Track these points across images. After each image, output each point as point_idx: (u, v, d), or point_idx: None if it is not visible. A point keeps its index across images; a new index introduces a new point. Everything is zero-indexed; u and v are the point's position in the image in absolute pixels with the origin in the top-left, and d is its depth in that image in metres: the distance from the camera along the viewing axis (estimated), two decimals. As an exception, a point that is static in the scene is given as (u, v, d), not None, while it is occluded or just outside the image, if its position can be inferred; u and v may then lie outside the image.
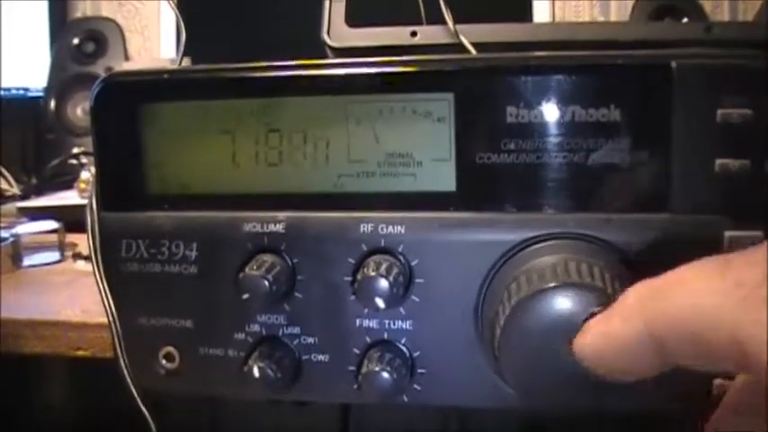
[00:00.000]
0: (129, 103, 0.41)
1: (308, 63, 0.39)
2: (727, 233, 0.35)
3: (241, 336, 0.40)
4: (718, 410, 0.32)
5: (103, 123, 0.42)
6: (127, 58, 1.35)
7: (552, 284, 0.32)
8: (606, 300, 0.31)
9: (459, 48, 0.61)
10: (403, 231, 0.37)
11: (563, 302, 0.32)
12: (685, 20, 0.96)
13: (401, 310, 0.38)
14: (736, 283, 0.24)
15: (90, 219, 0.42)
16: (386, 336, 0.38)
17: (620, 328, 0.27)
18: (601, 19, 1.35)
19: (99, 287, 0.42)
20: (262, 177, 0.40)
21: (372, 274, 0.36)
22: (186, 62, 0.78)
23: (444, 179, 0.37)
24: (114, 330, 0.42)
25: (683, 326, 0.25)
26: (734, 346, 0.23)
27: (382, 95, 0.38)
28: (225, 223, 0.40)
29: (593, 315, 0.30)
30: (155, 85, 0.41)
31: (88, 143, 0.44)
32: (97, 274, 0.42)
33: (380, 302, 0.36)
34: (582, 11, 1.38)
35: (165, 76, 0.42)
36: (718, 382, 0.35)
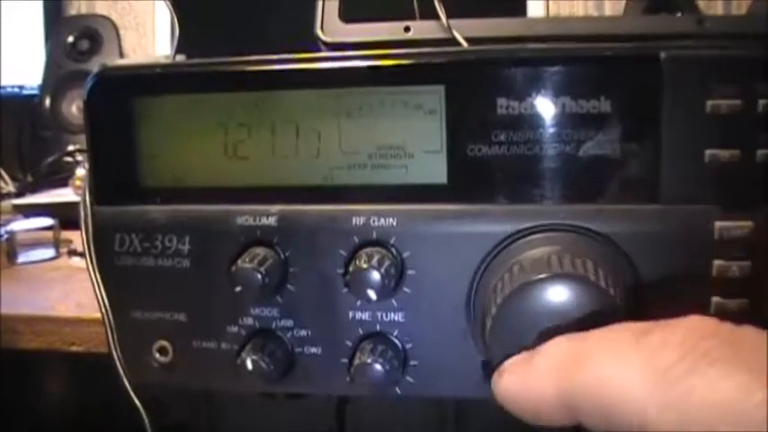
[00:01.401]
0: (122, 96, 0.41)
1: (300, 57, 0.39)
2: (717, 223, 0.35)
3: (234, 329, 0.40)
4: None
5: (97, 117, 0.42)
6: (122, 55, 1.35)
7: (543, 276, 0.32)
8: (596, 291, 0.32)
9: (453, 43, 0.61)
10: (395, 224, 0.38)
11: (554, 293, 0.32)
12: (679, 15, 0.96)
13: (393, 302, 0.38)
14: (648, 362, 0.24)
15: (83, 213, 0.42)
16: (378, 328, 0.39)
17: (535, 386, 0.28)
18: (595, 15, 1.35)
19: (92, 281, 0.42)
20: (254, 170, 0.40)
21: (364, 266, 0.36)
22: (180, 59, 0.78)
23: (436, 171, 0.37)
24: (108, 324, 0.42)
25: (591, 398, 0.25)
26: (639, 428, 0.24)
27: (374, 88, 0.38)
28: (218, 216, 0.40)
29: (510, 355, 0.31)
30: (148, 79, 0.41)
31: (83, 141, 0.44)
32: (90, 267, 0.42)
33: (372, 294, 0.36)
34: (576, 8, 1.38)
35: (158, 69, 0.42)
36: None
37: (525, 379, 0.29)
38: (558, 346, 0.28)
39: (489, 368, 0.32)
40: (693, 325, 0.25)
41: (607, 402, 0.25)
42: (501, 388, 0.30)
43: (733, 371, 0.22)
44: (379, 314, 0.38)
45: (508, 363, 0.30)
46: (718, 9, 1.31)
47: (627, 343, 0.25)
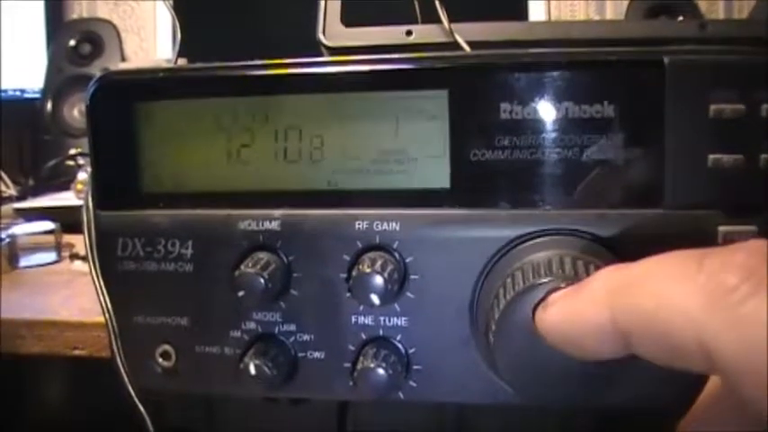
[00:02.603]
0: (124, 101, 0.41)
1: (303, 61, 0.39)
2: (721, 228, 0.35)
3: (237, 333, 0.40)
4: (688, 418, 0.31)
5: (99, 122, 0.42)
6: (123, 58, 1.35)
7: (546, 280, 0.32)
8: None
9: (455, 46, 0.61)
10: (398, 228, 0.38)
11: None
12: (680, 19, 0.96)
13: (396, 306, 0.38)
14: (708, 284, 0.23)
15: (86, 217, 0.42)
16: (381, 332, 0.39)
17: (586, 313, 0.27)
18: (596, 18, 1.35)
19: (95, 285, 0.42)
20: (257, 175, 0.40)
21: (367, 270, 0.36)
22: (182, 63, 0.78)
23: (439, 176, 0.37)
24: (111, 328, 0.42)
25: (649, 323, 0.25)
26: (700, 350, 0.23)
27: (376, 93, 0.38)
28: (220, 221, 0.40)
29: (557, 288, 0.31)
30: (150, 84, 0.42)
31: (85, 144, 0.44)
32: (93, 272, 0.42)
33: (375, 299, 0.36)
34: (577, 11, 1.38)
35: (161, 74, 0.42)
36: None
37: (575, 307, 0.28)
38: (609, 273, 0.27)
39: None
40: (755, 247, 0.24)
41: (666, 323, 0.24)
42: (547, 320, 0.29)
43: None
44: (381, 319, 0.38)
45: (554, 295, 0.30)
46: (720, 11, 1.31)
47: (687, 264, 0.24)
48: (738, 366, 0.22)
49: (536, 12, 1.21)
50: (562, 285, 0.31)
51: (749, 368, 0.22)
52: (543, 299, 0.31)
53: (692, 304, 0.23)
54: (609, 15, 1.36)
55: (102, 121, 0.42)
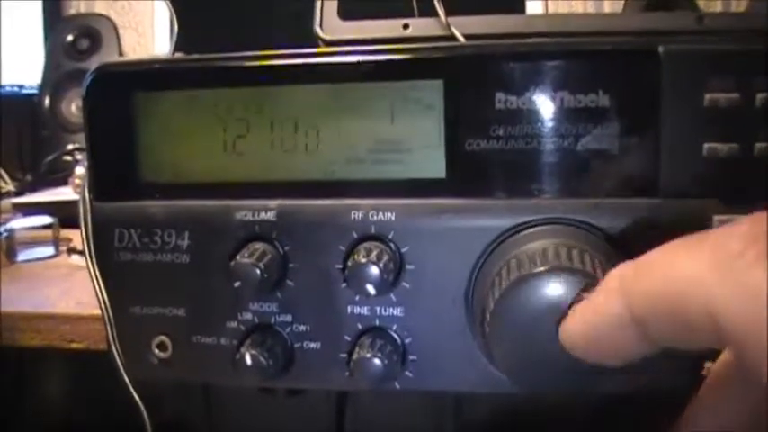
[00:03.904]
0: (121, 92, 0.41)
1: (299, 52, 0.40)
2: (716, 217, 0.35)
3: (233, 324, 0.40)
4: (693, 405, 0.31)
5: (96, 113, 0.42)
6: (121, 54, 1.35)
7: (542, 269, 0.32)
8: (594, 284, 0.32)
9: (452, 40, 0.61)
10: (393, 218, 0.38)
11: (552, 287, 0.32)
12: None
13: (392, 296, 0.38)
14: (712, 254, 0.23)
15: (83, 208, 0.42)
16: (377, 322, 0.39)
17: (604, 312, 0.27)
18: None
19: (92, 276, 0.42)
20: (253, 166, 0.40)
21: (363, 260, 0.36)
22: (178, 56, 0.78)
23: (434, 166, 0.37)
24: (107, 320, 0.43)
25: (660, 301, 0.25)
26: (709, 319, 0.23)
27: (372, 83, 0.38)
28: (217, 212, 0.40)
29: (579, 299, 0.31)
30: (147, 75, 0.42)
31: (83, 140, 0.44)
32: (90, 263, 0.42)
33: (371, 289, 0.36)
34: (575, 7, 1.38)
35: (157, 65, 0.42)
36: (709, 365, 0.35)
37: (591, 307, 0.28)
38: (619, 270, 0.27)
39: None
40: (758, 217, 0.24)
41: (677, 295, 0.24)
42: (574, 335, 0.29)
43: None
44: (377, 309, 0.39)
45: (575, 307, 0.30)
46: (717, 8, 1.31)
47: (693, 240, 0.25)
48: (743, 331, 0.22)
49: (533, 7, 1.21)
50: (583, 297, 0.31)
51: (754, 333, 0.22)
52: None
53: (696, 273, 0.23)
54: (606, 10, 1.36)
55: (99, 112, 0.42)
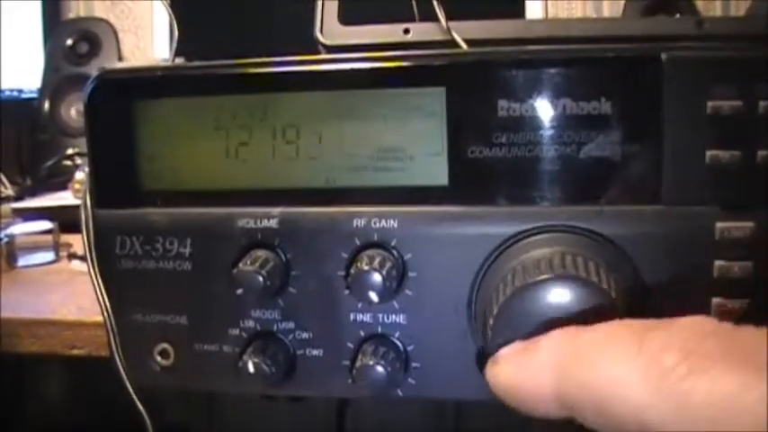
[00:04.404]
0: (122, 99, 0.41)
1: (301, 59, 0.39)
2: (719, 224, 0.35)
3: (235, 331, 0.40)
4: None
5: (97, 120, 0.42)
6: (120, 58, 1.35)
7: (545, 277, 0.32)
8: (597, 292, 0.32)
9: (452, 45, 0.61)
10: (396, 225, 0.38)
11: (555, 294, 0.32)
12: (678, 16, 0.96)
13: (395, 303, 0.38)
14: (648, 365, 0.24)
15: (84, 216, 0.42)
16: (380, 330, 0.39)
17: (532, 382, 0.28)
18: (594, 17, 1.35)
19: (93, 284, 0.42)
20: (255, 173, 0.40)
21: (366, 268, 0.36)
22: (179, 62, 0.78)
23: (437, 173, 0.37)
24: (109, 327, 0.42)
25: (592, 401, 0.25)
26: (637, 426, 0.24)
27: (374, 90, 0.38)
28: (219, 219, 0.40)
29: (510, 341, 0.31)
30: (148, 82, 0.42)
31: (82, 144, 0.44)
32: (92, 271, 0.42)
33: (374, 296, 0.36)
34: (575, 10, 1.38)
35: (159, 72, 0.42)
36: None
37: (521, 372, 0.29)
38: (557, 342, 0.28)
39: (484, 358, 0.32)
40: (694, 325, 0.25)
41: (607, 403, 0.25)
42: (495, 377, 0.30)
43: (732, 369, 0.22)
44: (380, 316, 0.38)
45: (503, 351, 0.30)
46: (717, 10, 1.31)
47: (628, 343, 0.25)
48: None
49: (533, 12, 1.21)
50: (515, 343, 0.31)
51: None
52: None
53: (632, 387, 0.24)
54: (606, 14, 1.36)
55: (100, 119, 0.42)
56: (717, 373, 0.22)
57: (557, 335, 0.28)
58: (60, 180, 1.09)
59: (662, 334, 0.25)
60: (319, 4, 0.66)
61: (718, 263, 0.35)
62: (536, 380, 0.28)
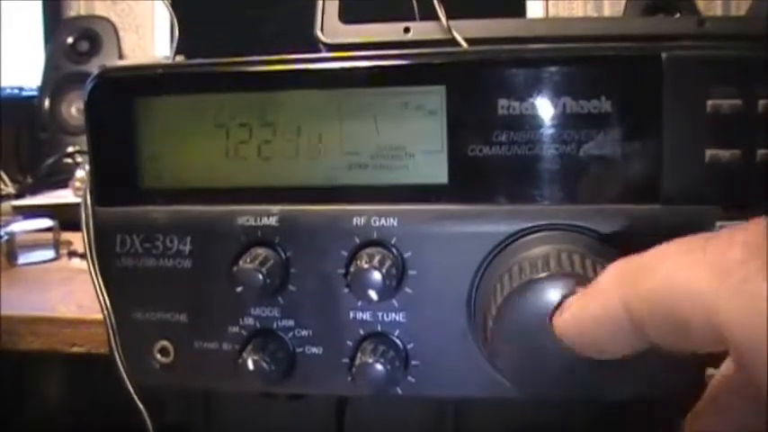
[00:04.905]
0: (122, 97, 0.41)
1: (302, 57, 0.40)
2: (718, 223, 0.35)
3: (235, 329, 0.40)
4: (699, 406, 0.31)
5: (97, 118, 0.42)
6: (121, 56, 1.35)
7: (544, 275, 0.32)
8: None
9: (452, 43, 0.61)
10: (395, 224, 0.38)
11: (554, 293, 0.32)
12: (678, 16, 0.96)
13: (394, 302, 0.38)
14: (713, 262, 0.23)
15: (84, 214, 0.42)
16: (379, 328, 0.39)
17: (598, 306, 0.27)
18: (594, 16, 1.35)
19: (93, 282, 0.42)
20: (255, 171, 0.40)
21: (365, 266, 0.36)
22: (180, 60, 0.78)
23: (437, 171, 0.37)
24: (109, 325, 0.42)
25: (658, 303, 0.25)
26: (709, 327, 0.23)
27: (374, 89, 0.38)
28: (219, 217, 0.40)
29: (573, 293, 0.31)
30: (149, 80, 0.42)
31: (83, 142, 0.44)
32: (92, 268, 0.42)
33: (374, 294, 0.37)
34: (576, 10, 1.38)
35: (159, 70, 0.42)
36: (711, 371, 0.35)
37: (588, 306, 0.28)
38: (615, 268, 0.27)
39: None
40: (756, 225, 0.24)
41: (676, 303, 0.24)
42: (564, 323, 0.29)
43: None
44: (380, 314, 0.38)
45: (568, 300, 0.30)
46: (717, 10, 1.31)
47: (692, 246, 0.25)
48: (746, 339, 0.22)
49: (534, 11, 1.21)
50: (577, 290, 0.31)
51: (756, 340, 0.22)
52: (558, 306, 0.31)
53: (698, 281, 0.23)
54: (606, 13, 1.36)
55: (101, 117, 0.42)
56: None
57: (612, 265, 0.28)
58: (61, 178, 1.09)
59: (725, 233, 0.24)
60: (320, 2, 0.66)
61: (717, 262, 0.35)
62: (605, 307, 0.27)
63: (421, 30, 0.64)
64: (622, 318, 0.26)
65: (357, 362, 0.38)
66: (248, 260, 0.38)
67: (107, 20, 1.37)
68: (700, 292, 0.23)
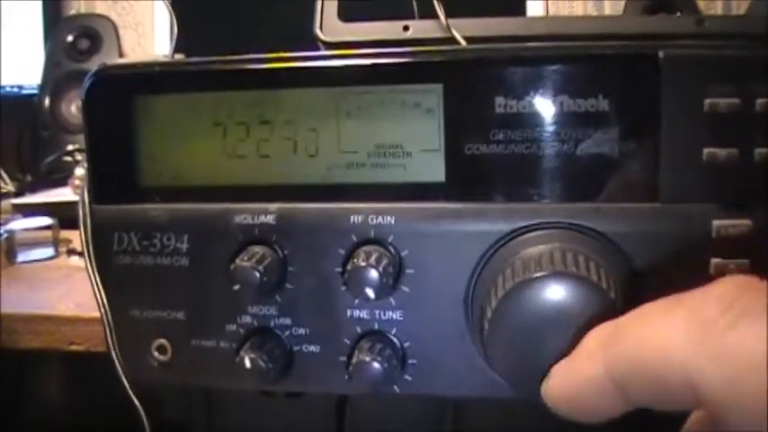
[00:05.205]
0: (121, 95, 0.41)
1: (299, 55, 0.39)
2: (715, 222, 0.35)
3: (233, 327, 0.40)
4: None
5: (96, 116, 0.42)
6: (121, 54, 1.35)
7: (541, 274, 0.32)
8: (594, 289, 0.32)
9: (452, 42, 0.61)
10: (393, 222, 0.38)
11: (552, 292, 0.32)
12: (678, 15, 0.96)
13: (391, 300, 0.38)
14: (688, 319, 0.23)
15: (82, 212, 0.42)
16: (376, 326, 0.39)
17: (583, 370, 0.27)
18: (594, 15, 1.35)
19: (91, 280, 0.42)
20: (253, 169, 0.40)
21: (362, 264, 0.36)
22: (179, 58, 0.78)
23: (434, 170, 0.37)
24: (106, 323, 0.42)
25: (636, 363, 0.25)
26: (687, 387, 0.23)
27: (372, 87, 0.38)
28: (216, 215, 0.40)
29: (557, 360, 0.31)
30: (147, 78, 0.42)
31: (82, 140, 0.44)
32: (89, 266, 0.42)
33: (371, 293, 0.36)
34: (576, 10, 1.38)
35: (157, 68, 0.42)
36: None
37: (573, 372, 0.28)
38: (598, 332, 0.28)
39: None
40: (730, 281, 0.24)
41: (654, 364, 0.24)
42: (551, 389, 0.29)
43: None
44: (377, 312, 0.38)
45: (556, 367, 0.30)
46: (718, 9, 1.31)
47: (666, 308, 0.25)
48: (723, 398, 0.22)
49: (534, 10, 1.21)
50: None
51: (734, 400, 0.22)
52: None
53: (673, 340, 0.24)
54: (607, 12, 1.36)
55: (99, 115, 0.42)
56: (760, 326, 0.22)
57: (596, 328, 0.28)
58: (60, 176, 1.09)
59: (699, 293, 0.24)
60: (319, 1, 0.66)
61: (714, 261, 0.35)
62: (587, 366, 0.27)
63: (420, 28, 0.64)
64: (605, 379, 0.26)
65: (354, 360, 0.38)
66: (245, 258, 0.38)
67: (107, 18, 1.37)
68: (675, 351, 0.23)
